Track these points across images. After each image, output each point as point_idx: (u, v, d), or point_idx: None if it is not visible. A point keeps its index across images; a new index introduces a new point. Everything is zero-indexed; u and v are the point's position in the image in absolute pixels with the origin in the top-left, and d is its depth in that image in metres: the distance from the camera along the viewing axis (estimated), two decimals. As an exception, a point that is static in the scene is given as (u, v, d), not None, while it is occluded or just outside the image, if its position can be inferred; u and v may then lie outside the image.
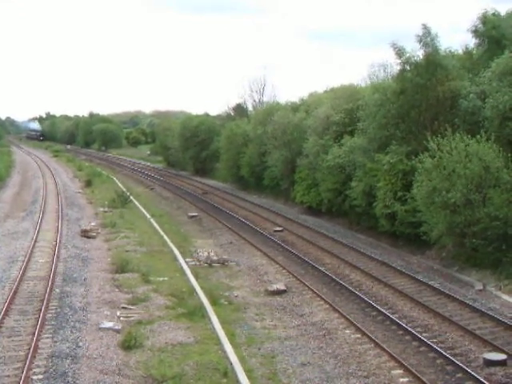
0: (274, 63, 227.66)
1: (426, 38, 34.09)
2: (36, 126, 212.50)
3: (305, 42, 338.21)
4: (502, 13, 36.59)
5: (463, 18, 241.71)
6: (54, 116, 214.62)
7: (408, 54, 34.55)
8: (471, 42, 37.90)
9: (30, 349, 18.41)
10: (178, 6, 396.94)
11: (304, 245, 36.85)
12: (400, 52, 34.65)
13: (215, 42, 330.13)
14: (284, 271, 30.54)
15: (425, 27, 34.19)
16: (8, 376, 16.85)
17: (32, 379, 16.70)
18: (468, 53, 38.42)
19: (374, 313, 23.86)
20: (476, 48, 37.61)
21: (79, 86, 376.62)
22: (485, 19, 35.69)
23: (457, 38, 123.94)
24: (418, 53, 34.57)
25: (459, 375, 17.84)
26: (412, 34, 37.73)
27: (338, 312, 23.66)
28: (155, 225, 42.49)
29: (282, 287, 27.41)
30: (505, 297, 25.32)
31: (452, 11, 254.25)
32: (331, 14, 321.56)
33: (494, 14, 36.05)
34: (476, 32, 36.19)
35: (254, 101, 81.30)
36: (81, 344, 19.39)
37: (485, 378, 17.29)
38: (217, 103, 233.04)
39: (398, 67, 35.53)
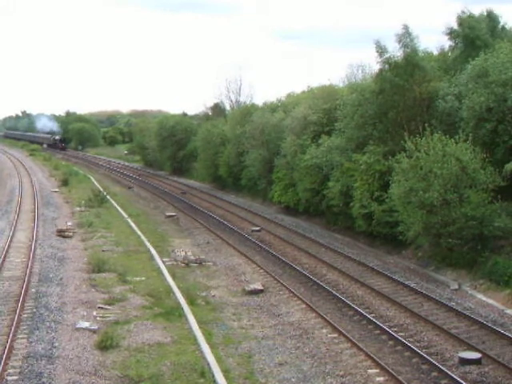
0: (250, 63, 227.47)
1: (406, 39, 34.25)
2: (52, 124, 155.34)
3: (280, 41, 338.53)
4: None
5: (433, 19, 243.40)
6: (30, 115, 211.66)
7: (389, 54, 34.66)
8: (446, 43, 38.30)
9: (4, 349, 18.23)
10: (153, 5, 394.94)
11: (281, 244, 36.88)
12: (382, 51, 34.71)
13: (193, 41, 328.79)
14: (261, 271, 30.53)
15: (405, 27, 34.33)
16: (-18, 377, 16.70)
17: (7, 380, 16.55)
18: (444, 54, 38.70)
19: (351, 312, 23.94)
20: (451, 50, 37.88)
21: (56, 85, 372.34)
22: (460, 20, 35.97)
23: (429, 39, 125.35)
24: (397, 53, 34.79)
25: (435, 374, 17.99)
26: (383, 36, 38.12)
27: (315, 312, 23.71)
28: (132, 224, 42.25)
29: (260, 287, 27.40)
30: (480, 296, 25.57)
31: (423, 13, 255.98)
32: (305, 13, 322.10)
33: (469, 16, 36.34)
34: (452, 33, 36.46)
35: (231, 101, 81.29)
36: (57, 344, 19.26)
37: (460, 377, 17.45)
38: (194, 103, 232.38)
39: (378, 66, 35.72)
